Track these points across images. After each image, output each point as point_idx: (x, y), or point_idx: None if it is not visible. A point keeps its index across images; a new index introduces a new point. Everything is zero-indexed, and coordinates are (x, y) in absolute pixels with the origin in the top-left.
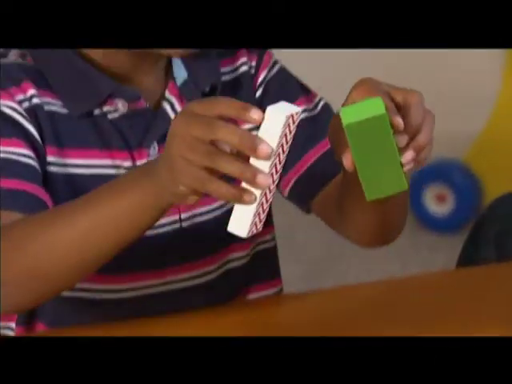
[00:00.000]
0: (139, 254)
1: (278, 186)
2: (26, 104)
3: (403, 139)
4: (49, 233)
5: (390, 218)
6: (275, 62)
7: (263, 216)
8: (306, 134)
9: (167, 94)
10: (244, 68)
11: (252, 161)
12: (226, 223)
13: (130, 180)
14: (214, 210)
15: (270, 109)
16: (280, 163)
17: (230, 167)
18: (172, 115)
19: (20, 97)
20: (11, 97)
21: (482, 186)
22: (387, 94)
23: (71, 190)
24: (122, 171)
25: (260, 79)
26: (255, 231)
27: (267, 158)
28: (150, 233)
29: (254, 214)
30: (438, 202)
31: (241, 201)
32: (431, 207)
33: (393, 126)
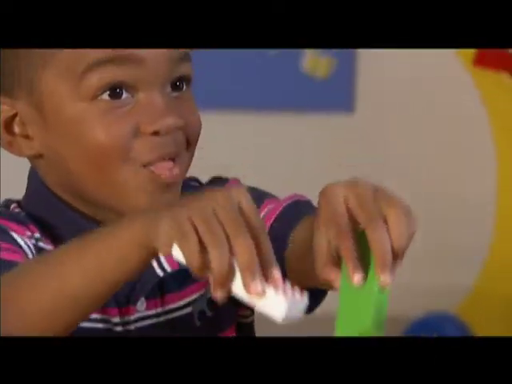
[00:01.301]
0: None
1: None
2: (33, 241)
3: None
4: (37, 283)
5: None
6: None
7: None
8: None
9: None
10: None
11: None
12: None
13: (126, 219)
14: None
15: (284, 306)
16: None
17: (216, 256)
18: (158, 271)
19: (28, 233)
20: (22, 231)
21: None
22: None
23: None
24: (110, 326)
25: None
26: None
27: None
28: None
29: None
30: None
31: (198, 273)
32: None
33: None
